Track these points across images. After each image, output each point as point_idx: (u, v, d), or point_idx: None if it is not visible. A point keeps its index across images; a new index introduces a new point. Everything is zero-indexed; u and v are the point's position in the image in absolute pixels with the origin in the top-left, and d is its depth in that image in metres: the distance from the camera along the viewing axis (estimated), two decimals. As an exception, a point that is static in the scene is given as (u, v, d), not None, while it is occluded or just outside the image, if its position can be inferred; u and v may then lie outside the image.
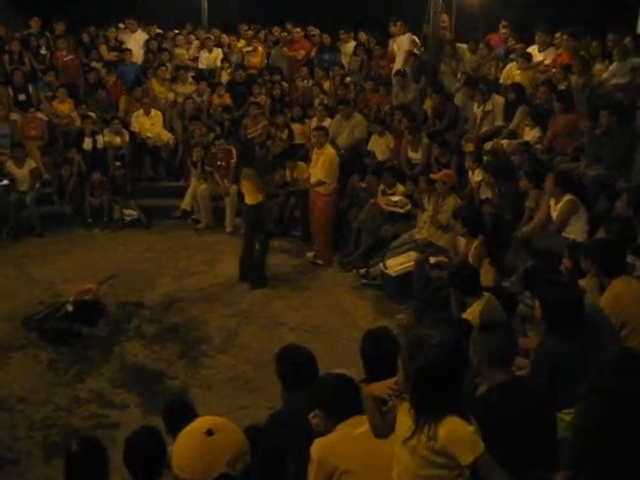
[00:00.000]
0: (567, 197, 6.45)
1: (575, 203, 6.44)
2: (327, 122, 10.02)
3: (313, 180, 8.70)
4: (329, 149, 8.70)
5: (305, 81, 11.48)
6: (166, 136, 10.91)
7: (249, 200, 8.07)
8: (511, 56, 9.74)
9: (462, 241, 6.83)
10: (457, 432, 2.52)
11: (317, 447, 2.94)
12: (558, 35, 9.38)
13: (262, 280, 8.06)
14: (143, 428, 3.51)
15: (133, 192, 10.39)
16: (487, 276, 5.90)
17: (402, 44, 10.82)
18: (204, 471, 1.93)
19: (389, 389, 2.80)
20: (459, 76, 9.94)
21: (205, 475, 1.92)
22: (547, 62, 9.26)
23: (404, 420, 2.67)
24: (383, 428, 2.84)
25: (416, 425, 2.58)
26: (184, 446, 2.00)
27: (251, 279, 8.04)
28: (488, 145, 8.46)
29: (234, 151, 10.13)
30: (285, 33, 12.73)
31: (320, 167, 8.57)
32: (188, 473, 1.95)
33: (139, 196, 10.43)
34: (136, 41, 12.40)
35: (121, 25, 12.74)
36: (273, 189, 9.37)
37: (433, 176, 7.77)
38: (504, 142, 8.25)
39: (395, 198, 8.34)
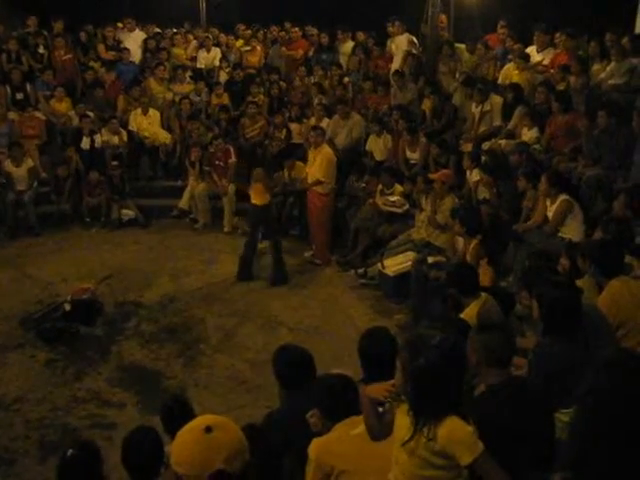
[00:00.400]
0: (562, 197, 6.46)
1: (570, 203, 6.45)
2: (325, 122, 10.02)
3: (311, 180, 8.70)
4: (326, 148, 8.71)
5: (306, 78, 11.47)
6: (164, 136, 10.90)
7: (259, 200, 8.06)
8: (509, 56, 9.76)
9: (460, 241, 6.84)
10: (456, 433, 2.53)
11: (314, 447, 2.95)
12: (557, 35, 9.40)
13: (284, 277, 8.15)
14: (140, 428, 3.51)
15: (131, 192, 10.39)
16: (485, 276, 5.89)
17: (400, 44, 10.83)
18: (201, 467, 1.95)
19: (386, 391, 2.80)
20: (457, 76, 9.95)
21: (202, 471, 1.94)
22: (545, 62, 9.28)
23: (403, 422, 2.67)
24: (379, 430, 2.84)
25: (415, 426, 2.59)
26: (183, 442, 2.03)
27: (274, 278, 8.11)
28: (486, 145, 8.47)
29: (232, 151, 10.13)
30: (283, 32, 12.73)
31: (318, 167, 8.56)
32: (186, 469, 1.97)
33: (137, 196, 10.43)
34: (134, 40, 12.39)
35: (119, 24, 12.72)
36: (280, 188, 9.37)
37: (431, 176, 7.78)
38: (502, 142, 8.26)
39: (393, 198, 8.35)
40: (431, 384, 2.54)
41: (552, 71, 8.88)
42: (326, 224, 8.80)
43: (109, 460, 4.78)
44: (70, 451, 3.19)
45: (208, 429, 1.99)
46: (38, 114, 10.72)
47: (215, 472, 1.93)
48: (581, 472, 2.74)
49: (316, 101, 10.66)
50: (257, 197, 8.06)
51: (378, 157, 9.54)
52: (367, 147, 9.72)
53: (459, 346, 2.69)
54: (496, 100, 8.82)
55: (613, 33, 8.41)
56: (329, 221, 8.84)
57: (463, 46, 10.40)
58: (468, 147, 8.61)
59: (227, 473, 1.94)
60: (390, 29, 11.22)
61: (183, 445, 2.02)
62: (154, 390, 5.91)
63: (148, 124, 10.87)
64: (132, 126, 10.87)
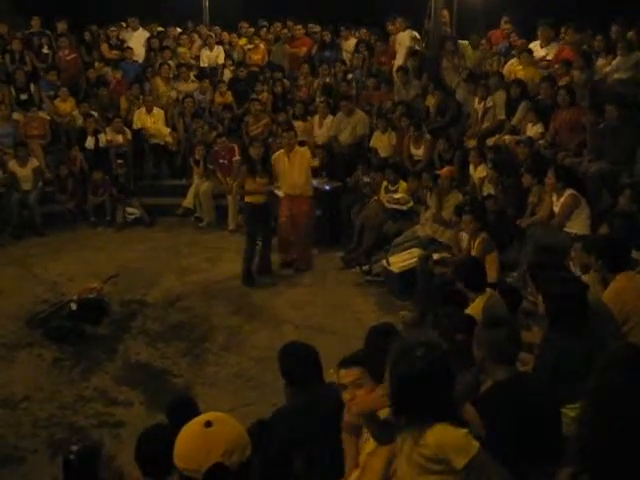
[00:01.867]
0: (568, 192, 6.46)
1: (577, 198, 6.45)
2: (329, 119, 10.02)
3: (291, 185, 8.16)
4: (302, 150, 8.39)
5: (310, 77, 11.46)
6: (168, 134, 10.91)
7: (248, 199, 8.10)
8: (512, 52, 9.74)
9: (464, 238, 6.83)
10: (447, 438, 2.49)
11: None
12: (562, 30, 9.37)
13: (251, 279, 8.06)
14: (157, 425, 3.51)
15: (135, 190, 10.41)
16: (491, 272, 5.89)
17: (403, 40, 10.82)
18: (200, 460, 1.98)
19: (377, 401, 2.75)
20: (460, 71, 9.94)
21: (200, 465, 1.98)
22: (549, 57, 9.26)
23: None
24: (386, 436, 2.82)
25: (399, 432, 2.57)
26: (183, 437, 2.07)
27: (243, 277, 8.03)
28: (491, 141, 8.46)
29: (236, 149, 10.13)
30: (286, 30, 12.73)
31: (298, 168, 8.18)
32: (185, 463, 2.01)
33: (141, 194, 10.45)
34: (137, 39, 12.41)
35: (122, 23, 12.74)
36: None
37: (439, 172, 7.78)
38: (507, 137, 8.25)
39: (397, 195, 8.34)
40: (409, 393, 2.52)
41: (556, 66, 8.85)
42: (311, 227, 8.52)
43: (117, 458, 4.81)
44: (74, 448, 3.19)
45: (208, 424, 2.03)
46: (42, 114, 10.74)
47: (212, 465, 1.96)
48: (588, 467, 2.73)
49: (322, 99, 10.63)
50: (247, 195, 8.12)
51: (383, 154, 9.52)
52: (371, 144, 9.71)
53: (443, 360, 2.62)
54: (499, 95, 8.79)
55: (619, 25, 8.39)
56: (314, 222, 8.62)
57: (466, 42, 10.39)
58: (472, 143, 8.60)
59: (224, 467, 1.96)
60: (390, 27, 11.23)
61: (183, 439, 2.06)
62: (161, 388, 5.93)
63: (152, 123, 10.88)
64: (136, 125, 10.88)
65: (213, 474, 1.96)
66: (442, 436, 2.48)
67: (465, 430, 2.52)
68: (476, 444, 2.50)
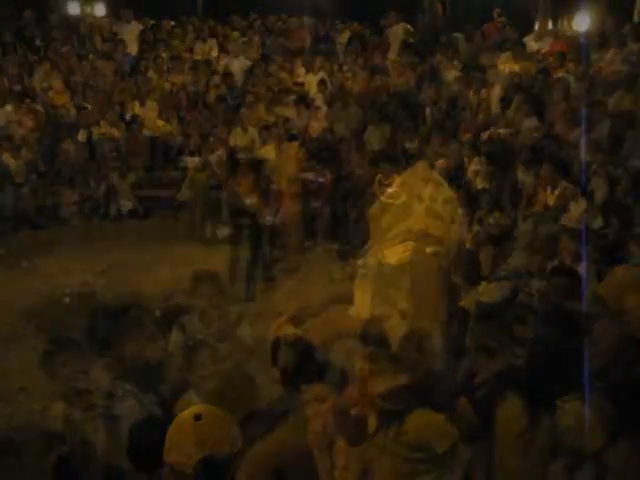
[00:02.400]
0: (564, 185, 6.48)
1: (572, 190, 6.46)
2: (323, 111, 10.00)
3: (285, 181, 8.14)
4: (292, 144, 8.42)
5: (302, 69, 11.45)
6: (162, 126, 10.87)
7: None
8: (507, 45, 9.74)
9: (456, 230, 6.82)
10: (427, 422, 2.48)
11: None
12: (558, 23, 9.40)
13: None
14: (147, 417, 3.50)
15: (130, 183, 10.37)
16: (485, 265, 5.90)
17: (396, 34, 10.81)
18: (190, 454, 1.99)
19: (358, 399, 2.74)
20: (455, 64, 9.94)
21: (190, 458, 1.97)
22: (544, 50, 9.27)
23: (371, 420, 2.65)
24: (358, 437, 2.81)
25: (380, 423, 2.56)
26: (173, 430, 2.08)
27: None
28: (485, 134, 8.46)
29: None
30: (280, 22, 12.69)
31: (287, 162, 8.18)
32: (175, 456, 2.01)
33: (136, 186, 10.41)
34: (131, 32, 12.36)
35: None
36: None
37: (436, 164, 7.79)
38: (501, 131, 8.25)
39: (390, 189, 8.32)
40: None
41: (550, 59, 8.86)
42: (299, 220, 8.41)
43: (110, 452, 4.80)
44: (66, 445, 3.18)
45: (197, 417, 2.02)
46: (36, 106, 10.69)
47: (201, 458, 1.96)
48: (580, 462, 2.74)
49: (314, 90, 10.61)
50: None
51: (376, 146, 9.50)
52: (365, 137, 9.69)
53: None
54: (494, 89, 8.79)
55: (613, 16, 8.41)
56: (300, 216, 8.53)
57: (461, 35, 10.38)
58: (467, 136, 8.60)
59: (214, 460, 1.96)
60: (383, 22, 11.23)
61: (173, 433, 2.07)
62: (156, 381, 5.91)
63: (146, 115, 10.84)
64: (130, 113, 10.82)
65: (203, 467, 1.95)
66: (422, 421, 2.47)
67: (443, 416, 2.51)
68: (456, 430, 2.49)
